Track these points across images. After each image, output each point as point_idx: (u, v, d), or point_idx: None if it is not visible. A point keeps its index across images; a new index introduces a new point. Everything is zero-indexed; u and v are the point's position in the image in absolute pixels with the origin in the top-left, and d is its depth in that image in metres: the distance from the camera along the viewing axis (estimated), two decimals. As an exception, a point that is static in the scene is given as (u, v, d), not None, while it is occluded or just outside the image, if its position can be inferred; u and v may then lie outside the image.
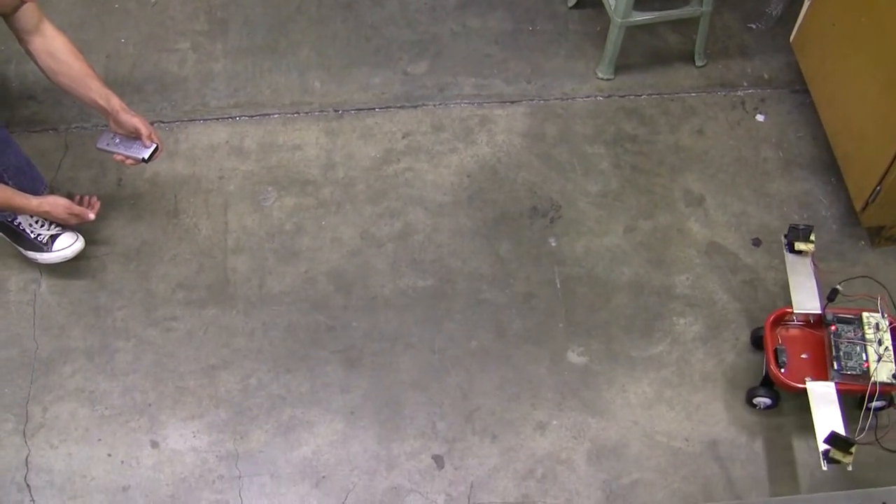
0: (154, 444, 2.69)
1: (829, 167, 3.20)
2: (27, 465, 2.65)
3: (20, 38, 2.68)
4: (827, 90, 3.13)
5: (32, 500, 2.59)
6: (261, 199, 3.13)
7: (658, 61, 3.51)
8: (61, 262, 2.89)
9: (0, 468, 2.63)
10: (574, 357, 2.85)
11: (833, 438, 2.40)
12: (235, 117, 3.32)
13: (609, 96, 3.41)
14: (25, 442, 2.68)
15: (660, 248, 3.05)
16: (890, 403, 2.65)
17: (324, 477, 2.65)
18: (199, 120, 3.31)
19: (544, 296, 2.96)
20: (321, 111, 3.35)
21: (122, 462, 2.66)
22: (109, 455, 2.67)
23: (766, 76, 3.47)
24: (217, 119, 3.31)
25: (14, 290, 2.92)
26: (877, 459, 2.57)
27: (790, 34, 3.32)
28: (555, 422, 2.75)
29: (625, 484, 2.65)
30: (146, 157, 2.75)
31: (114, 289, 2.94)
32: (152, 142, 2.75)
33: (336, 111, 3.35)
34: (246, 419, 2.73)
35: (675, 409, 2.77)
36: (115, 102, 2.71)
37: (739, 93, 3.42)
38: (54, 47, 2.67)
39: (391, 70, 3.47)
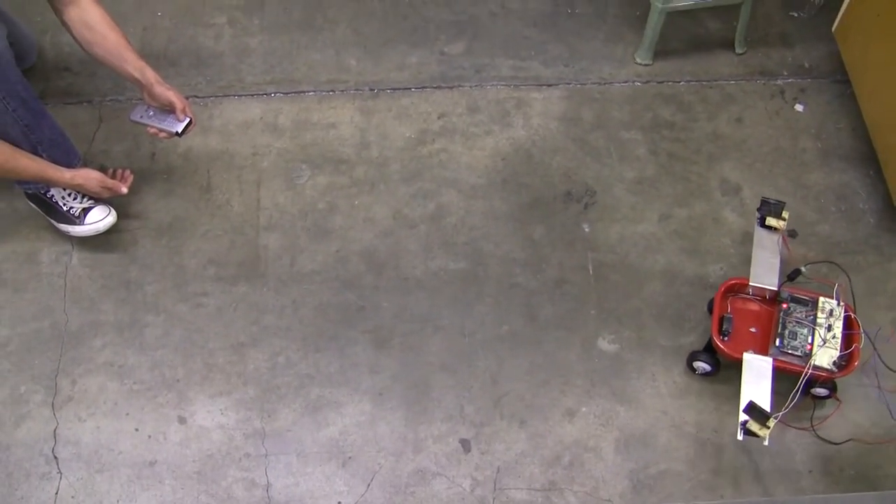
0: (182, 420, 2.69)
1: (869, 160, 3.16)
2: (55, 438, 2.65)
3: (56, 7, 2.67)
4: (869, 81, 3.09)
5: (59, 472, 2.60)
6: (294, 177, 3.12)
7: (698, 48, 3.47)
8: (93, 236, 2.90)
9: (28, 440, 2.65)
10: (605, 344, 2.84)
11: (750, 408, 2.41)
12: (270, 94, 3.31)
13: (647, 82, 3.38)
14: (54, 414, 2.69)
15: (695, 236, 3.02)
16: (831, 393, 2.65)
17: (350, 457, 2.65)
18: (234, 95, 3.30)
19: (577, 282, 2.94)
20: (357, 89, 3.33)
21: (150, 437, 2.66)
22: (137, 429, 2.67)
23: (806, 65, 3.43)
24: (252, 95, 3.30)
25: (46, 263, 2.93)
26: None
27: (832, 23, 3.28)
28: (583, 409, 2.73)
29: (652, 474, 2.64)
30: (179, 130, 2.75)
31: (145, 263, 2.94)
32: (186, 115, 2.75)
33: (371, 90, 3.33)
34: (274, 397, 2.73)
35: (705, 399, 2.75)
36: (149, 75, 2.71)
37: (779, 82, 3.38)
38: (90, 18, 2.67)
39: (428, 50, 3.45)
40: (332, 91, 3.32)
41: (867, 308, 2.84)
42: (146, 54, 3.18)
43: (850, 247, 3.00)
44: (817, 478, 2.63)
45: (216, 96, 3.30)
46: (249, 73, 3.36)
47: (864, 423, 2.71)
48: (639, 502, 2.59)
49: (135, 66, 2.70)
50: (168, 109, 2.76)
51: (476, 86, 3.35)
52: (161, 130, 2.77)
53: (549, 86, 3.36)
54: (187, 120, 2.76)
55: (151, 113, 2.78)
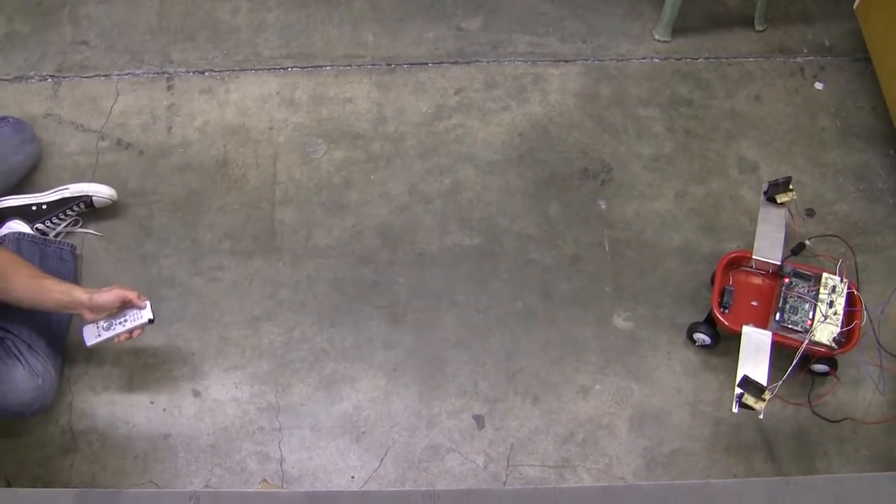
0: (196, 394, 2.70)
1: (889, 139, 3.14)
2: (71, 410, 2.67)
3: None
4: (890, 60, 3.06)
5: (75, 444, 2.61)
6: (310, 152, 3.11)
7: (717, 24, 3.44)
8: (108, 209, 2.91)
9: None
10: (620, 322, 2.83)
11: (745, 382, 2.41)
12: (287, 68, 3.30)
13: (665, 59, 3.36)
14: (69, 387, 2.70)
15: (711, 214, 3.01)
16: (831, 370, 2.64)
17: (364, 432, 2.65)
18: (251, 70, 3.29)
19: (592, 258, 2.93)
20: (373, 64, 3.32)
21: (164, 410, 2.67)
22: (152, 403, 2.68)
23: (826, 43, 3.40)
24: (269, 69, 3.29)
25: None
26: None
27: (854, 1, 3.25)
28: (597, 386, 2.73)
29: (666, 452, 2.63)
30: (152, 316, 2.49)
31: (160, 237, 2.94)
32: (144, 299, 2.49)
33: (388, 65, 3.32)
34: (288, 372, 2.73)
35: (720, 377, 2.74)
36: (79, 293, 2.42)
37: (799, 59, 3.36)
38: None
39: (445, 25, 3.43)
40: (349, 66, 3.31)
41: (885, 288, 2.82)
42: (163, 29, 3.22)
43: (869, 227, 2.98)
44: (831, 458, 2.62)
45: (233, 70, 3.29)
46: (266, 48, 3.35)
47: (863, 402, 2.71)
48: (652, 480, 2.59)
49: (60, 290, 2.40)
50: (116, 310, 2.49)
51: (493, 61, 3.33)
52: (132, 330, 2.50)
53: (567, 62, 3.34)
54: (148, 301, 2.49)
55: (105, 324, 2.49)
